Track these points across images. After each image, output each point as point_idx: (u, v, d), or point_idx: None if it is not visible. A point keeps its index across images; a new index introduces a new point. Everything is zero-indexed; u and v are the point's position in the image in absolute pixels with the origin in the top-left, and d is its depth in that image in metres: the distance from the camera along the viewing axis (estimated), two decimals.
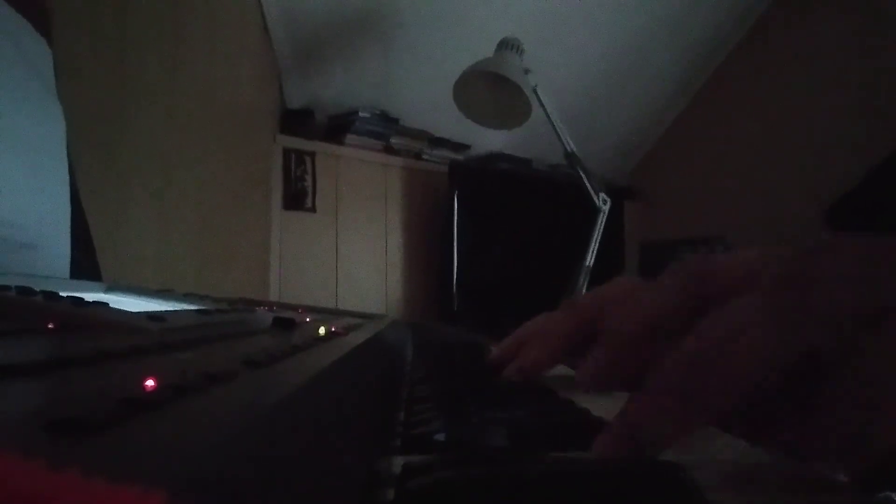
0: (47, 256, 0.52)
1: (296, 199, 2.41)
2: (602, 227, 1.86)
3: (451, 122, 2.40)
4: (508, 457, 0.19)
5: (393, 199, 2.69)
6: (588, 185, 1.86)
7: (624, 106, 3.00)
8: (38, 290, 0.32)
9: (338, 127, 2.54)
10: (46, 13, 0.61)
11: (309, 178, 2.45)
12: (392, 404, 0.32)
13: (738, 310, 0.20)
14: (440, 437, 0.23)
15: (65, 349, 0.22)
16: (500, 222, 2.74)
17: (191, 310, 0.39)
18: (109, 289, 0.49)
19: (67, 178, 0.57)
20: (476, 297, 2.56)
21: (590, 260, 1.84)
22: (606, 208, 1.86)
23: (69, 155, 0.58)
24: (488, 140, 2.75)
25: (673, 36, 2.69)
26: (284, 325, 0.36)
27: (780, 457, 0.24)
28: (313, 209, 2.45)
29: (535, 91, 1.83)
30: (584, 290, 1.83)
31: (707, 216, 2.92)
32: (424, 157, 2.79)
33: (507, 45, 1.87)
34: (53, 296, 0.32)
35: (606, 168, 3.06)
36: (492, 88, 1.93)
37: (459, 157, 2.84)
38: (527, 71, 1.84)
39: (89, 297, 0.33)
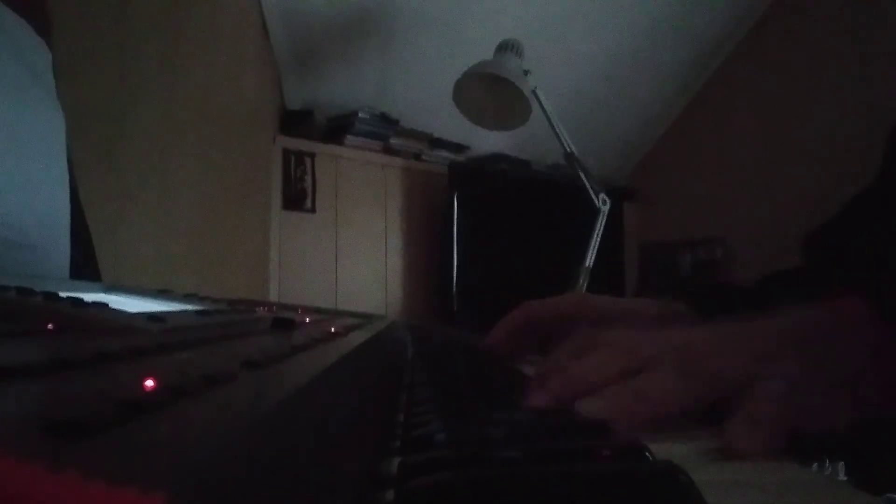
0: (47, 257, 0.52)
1: (295, 199, 2.41)
2: (602, 228, 1.86)
3: (450, 124, 2.40)
4: (508, 457, 0.19)
5: (392, 200, 2.69)
6: (588, 185, 1.86)
7: (624, 107, 3.00)
8: (37, 290, 0.32)
9: (337, 128, 2.54)
10: (46, 14, 0.61)
11: (308, 178, 2.45)
12: (392, 405, 0.32)
13: (659, 374, 0.35)
14: (440, 437, 0.23)
15: (64, 350, 0.22)
16: (499, 223, 2.74)
17: (190, 310, 0.39)
18: (109, 289, 0.49)
19: (67, 178, 0.57)
20: (475, 297, 2.56)
21: (589, 261, 1.84)
22: (606, 209, 1.87)
23: (69, 155, 0.58)
24: (488, 141, 2.76)
25: (672, 37, 2.69)
26: (284, 325, 0.36)
27: (779, 457, 0.24)
28: (313, 210, 2.45)
29: (534, 92, 1.84)
30: (583, 291, 1.83)
31: (707, 217, 2.92)
32: (424, 158, 2.79)
33: (507, 47, 1.88)
34: (53, 296, 0.32)
35: (606, 169, 3.06)
36: (491, 90, 1.93)
37: (459, 158, 2.84)
38: (526, 72, 1.84)
39: (89, 297, 0.33)
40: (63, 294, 0.33)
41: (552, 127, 1.86)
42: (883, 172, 0.46)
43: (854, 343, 0.38)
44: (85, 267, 0.60)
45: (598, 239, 1.86)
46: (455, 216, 2.60)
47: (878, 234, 0.42)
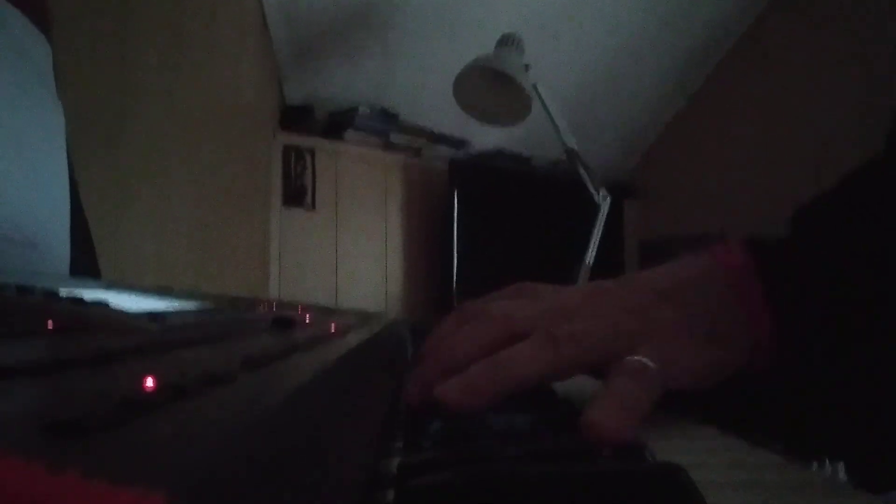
0: (47, 255, 0.52)
1: (295, 195, 2.41)
2: (602, 225, 1.86)
3: (450, 119, 2.40)
4: (508, 457, 0.19)
5: (393, 196, 2.69)
6: (588, 182, 1.86)
7: (624, 103, 2.99)
8: (37, 288, 0.32)
9: (337, 123, 2.54)
10: (46, 12, 0.61)
11: (308, 174, 2.45)
12: (392, 404, 0.32)
13: (525, 342, 0.35)
14: (435, 426, 0.23)
15: (64, 349, 0.22)
16: (499, 219, 2.74)
17: (190, 308, 0.39)
18: (109, 287, 0.49)
19: (67, 176, 0.57)
20: (475, 293, 2.55)
21: (590, 257, 1.84)
22: (606, 205, 1.86)
23: (69, 154, 0.58)
24: (488, 137, 2.75)
25: (673, 33, 2.69)
26: (284, 324, 0.36)
27: (779, 457, 0.24)
28: (313, 206, 2.45)
29: (535, 88, 1.83)
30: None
31: (707, 213, 2.92)
32: (424, 153, 2.79)
33: (508, 42, 1.87)
34: (53, 294, 0.32)
35: (606, 165, 3.06)
36: (492, 85, 1.93)
37: (459, 153, 2.84)
38: (527, 67, 1.84)
39: (89, 295, 0.33)
40: (63, 292, 0.33)
41: (552, 122, 1.86)
42: (888, 149, 0.45)
43: (728, 297, 0.39)
44: (85, 265, 0.60)
45: (599, 235, 1.86)
46: (455, 212, 2.60)
47: (870, 210, 0.42)
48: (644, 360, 0.34)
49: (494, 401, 0.32)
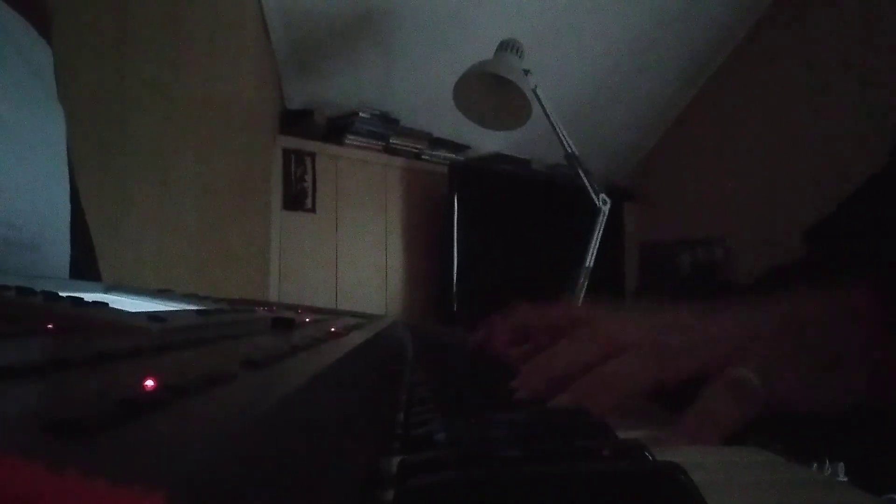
0: (47, 257, 0.52)
1: (295, 199, 2.41)
2: (602, 228, 1.86)
3: (450, 123, 2.40)
4: (508, 457, 0.19)
5: (393, 200, 2.69)
6: (588, 185, 1.86)
7: (624, 107, 3.00)
8: (37, 290, 0.32)
9: (338, 127, 2.54)
10: (46, 13, 0.61)
11: (309, 178, 2.45)
12: (392, 405, 0.32)
13: (626, 357, 0.36)
14: (440, 437, 0.23)
15: (64, 350, 0.22)
16: (499, 223, 2.74)
17: (190, 310, 0.39)
18: (109, 289, 0.49)
19: (67, 178, 0.57)
20: (476, 297, 2.56)
21: (590, 261, 1.84)
22: (606, 209, 1.87)
23: (69, 157, 0.58)
24: (488, 141, 2.75)
25: (673, 37, 2.69)
26: (284, 325, 0.36)
27: (779, 457, 0.24)
28: (313, 209, 2.45)
29: (535, 92, 1.83)
30: (584, 291, 1.83)
31: (707, 217, 2.92)
32: (424, 157, 2.79)
33: (507, 47, 1.88)
34: (53, 296, 0.32)
35: (606, 169, 3.06)
36: (492, 89, 1.93)
37: (459, 157, 2.84)
38: (527, 72, 1.84)
39: (89, 297, 0.33)
40: (63, 294, 0.33)
41: (552, 127, 1.86)
42: (890, 163, 0.45)
43: (849, 330, 0.37)
44: (85, 267, 0.60)
45: (599, 239, 1.86)
46: (455, 216, 2.60)
47: (883, 224, 0.41)
48: (746, 371, 0.33)
49: (599, 411, 0.31)
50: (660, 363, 0.35)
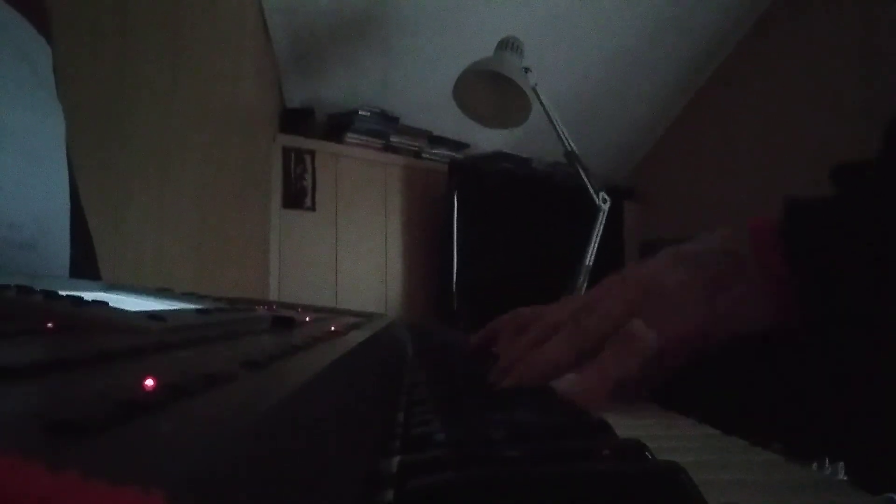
0: (46, 256, 0.52)
1: (295, 197, 2.41)
2: (602, 227, 1.86)
3: (450, 121, 2.40)
4: (508, 457, 0.19)
5: (392, 198, 2.69)
6: (588, 184, 1.86)
7: (624, 105, 2.99)
8: (37, 289, 0.32)
9: (337, 126, 2.54)
10: (46, 13, 0.61)
11: (308, 176, 2.45)
12: (391, 405, 0.32)
13: (553, 339, 0.41)
14: (440, 437, 0.23)
15: (64, 349, 0.22)
16: (499, 221, 2.74)
17: (190, 309, 0.39)
18: (109, 288, 0.49)
19: (67, 176, 0.57)
20: (475, 296, 2.56)
21: (589, 259, 1.84)
22: (606, 207, 1.86)
23: (69, 156, 0.58)
24: (488, 139, 2.75)
25: (673, 36, 2.69)
26: (284, 324, 0.36)
27: (779, 457, 0.24)
28: (313, 208, 2.45)
29: (534, 90, 1.83)
30: (583, 290, 1.83)
31: (707, 216, 2.92)
32: (424, 155, 2.79)
33: (507, 45, 1.88)
34: (53, 295, 0.32)
35: (606, 167, 3.06)
36: (492, 87, 1.93)
37: (459, 155, 2.84)
38: (527, 70, 1.84)
39: (89, 296, 0.33)
40: (63, 293, 0.33)
41: (552, 125, 1.86)
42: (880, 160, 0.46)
43: (747, 258, 0.41)
44: (85, 266, 0.60)
45: (599, 237, 1.86)
46: (455, 214, 2.60)
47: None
48: (639, 326, 0.38)
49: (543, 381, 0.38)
50: (573, 340, 0.40)
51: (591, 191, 1.86)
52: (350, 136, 2.53)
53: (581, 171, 1.86)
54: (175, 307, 0.43)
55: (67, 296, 0.32)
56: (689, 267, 0.41)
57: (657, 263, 0.43)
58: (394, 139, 2.67)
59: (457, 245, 2.60)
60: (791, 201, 0.43)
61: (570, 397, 0.34)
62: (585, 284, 1.84)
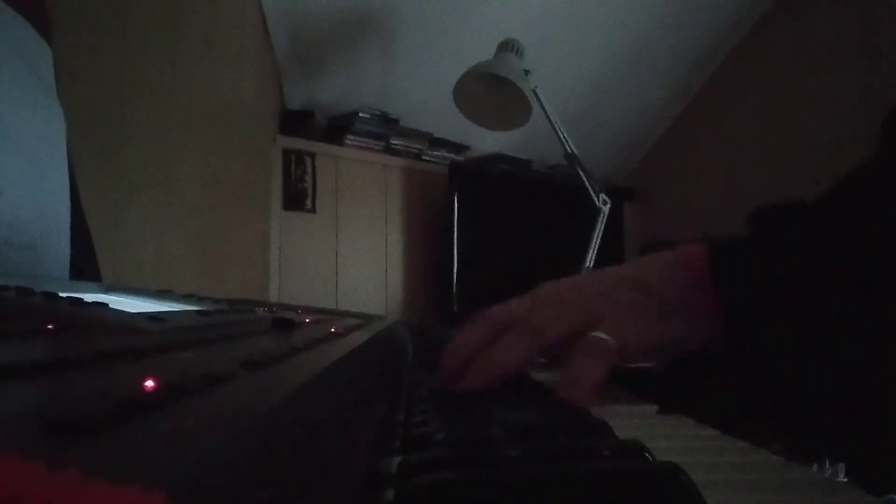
0: (47, 257, 0.52)
1: (295, 199, 2.41)
2: (602, 228, 1.86)
3: (451, 123, 2.40)
4: (508, 457, 0.19)
5: (393, 200, 2.69)
6: (588, 185, 1.86)
7: (624, 107, 3.00)
8: (37, 290, 0.32)
9: (338, 128, 2.54)
10: (46, 13, 0.61)
11: (309, 178, 2.45)
12: (392, 405, 0.32)
13: (506, 338, 0.41)
14: (440, 437, 0.23)
15: (64, 350, 0.22)
16: (500, 223, 2.74)
17: (190, 310, 0.39)
18: (109, 289, 0.49)
19: (67, 178, 0.57)
20: (476, 298, 2.56)
21: (590, 261, 1.84)
22: (607, 209, 1.86)
23: (69, 157, 0.58)
24: (488, 141, 2.75)
25: (673, 37, 2.69)
26: (284, 325, 0.36)
27: (779, 457, 0.24)
28: (313, 210, 2.45)
29: (534, 92, 1.83)
30: None
31: (707, 217, 2.92)
32: (424, 157, 2.79)
33: (507, 47, 1.88)
34: (53, 296, 0.32)
35: (607, 169, 3.06)
36: (492, 90, 1.93)
37: (459, 157, 2.84)
38: (527, 72, 1.84)
39: (89, 297, 0.33)
40: (63, 294, 0.33)
41: (552, 127, 1.86)
42: (879, 154, 0.47)
43: (678, 280, 0.44)
44: (85, 267, 0.60)
45: (599, 239, 1.86)
46: (455, 216, 2.60)
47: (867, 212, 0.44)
48: (601, 335, 0.40)
49: (494, 385, 0.38)
50: (529, 337, 0.41)
51: (592, 192, 1.86)
52: (350, 138, 2.54)
53: (581, 172, 1.86)
54: (175, 308, 0.43)
55: (67, 297, 0.32)
56: (637, 288, 0.44)
57: (607, 280, 0.46)
58: (394, 141, 2.67)
59: (457, 247, 2.60)
60: (714, 241, 0.48)
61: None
62: None
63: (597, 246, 1.85)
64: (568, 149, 1.86)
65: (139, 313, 0.30)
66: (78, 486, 0.07)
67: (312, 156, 2.46)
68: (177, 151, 1.15)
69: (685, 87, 2.99)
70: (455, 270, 2.58)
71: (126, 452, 0.09)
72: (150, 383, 0.14)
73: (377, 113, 2.55)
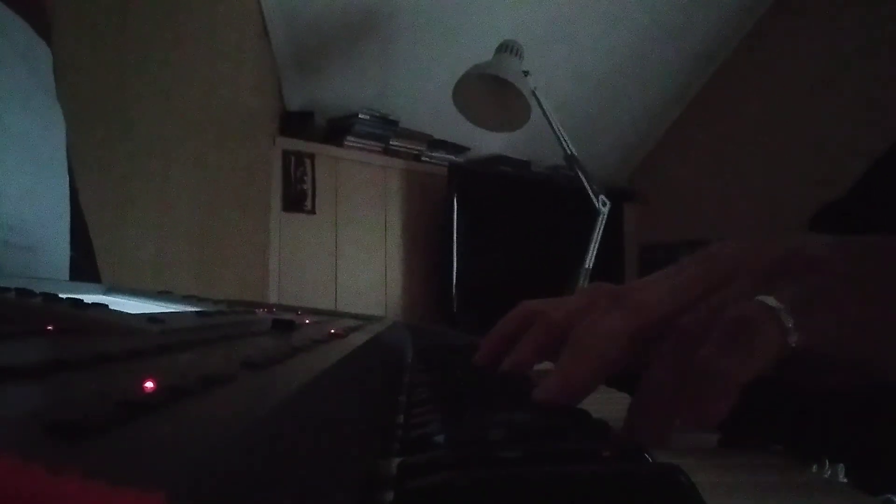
0: (46, 258, 0.52)
1: (295, 200, 2.41)
2: (601, 230, 1.86)
3: (450, 125, 2.40)
4: (508, 457, 0.19)
5: (392, 202, 2.69)
6: (588, 187, 1.86)
7: (624, 108, 3.00)
8: (37, 291, 0.32)
9: (337, 129, 2.54)
10: (46, 14, 0.61)
11: (308, 179, 2.45)
12: (391, 406, 0.32)
13: (599, 318, 0.31)
14: (440, 437, 0.23)
15: (64, 351, 0.22)
16: (499, 225, 2.74)
17: (190, 312, 0.39)
18: (108, 291, 0.49)
19: (67, 179, 0.57)
20: (475, 299, 2.56)
21: (589, 262, 1.84)
22: (606, 210, 1.87)
23: (69, 159, 0.58)
24: (488, 142, 2.75)
25: (672, 39, 2.69)
26: (284, 326, 0.36)
27: (779, 458, 0.24)
28: (313, 211, 2.45)
29: (534, 93, 1.84)
30: None
31: (706, 218, 2.92)
32: (424, 159, 2.79)
33: (507, 48, 1.88)
34: (53, 298, 0.32)
35: (606, 170, 3.06)
36: (491, 91, 1.93)
37: (459, 159, 2.84)
38: (526, 73, 1.84)
39: (88, 298, 0.33)
40: (63, 295, 0.33)
41: (552, 128, 1.86)
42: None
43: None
44: (84, 268, 0.60)
45: (598, 240, 1.86)
46: (455, 217, 2.60)
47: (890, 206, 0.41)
48: (768, 301, 0.24)
49: (593, 388, 0.30)
50: (633, 311, 0.30)
51: (591, 194, 1.86)
52: (350, 140, 2.54)
53: (581, 174, 1.86)
54: (175, 310, 0.43)
55: (67, 298, 0.32)
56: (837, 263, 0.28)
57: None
58: (394, 143, 2.67)
59: (456, 248, 2.60)
60: None
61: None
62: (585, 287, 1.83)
63: (596, 247, 1.85)
64: (567, 150, 1.86)
65: (139, 314, 0.30)
66: (78, 488, 0.07)
67: (312, 157, 2.46)
68: (176, 154, 1.15)
69: (684, 88, 3.00)
70: (454, 271, 2.58)
71: (126, 454, 0.09)
72: (149, 384, 0.14)
73: (377, 114, 2.55)
